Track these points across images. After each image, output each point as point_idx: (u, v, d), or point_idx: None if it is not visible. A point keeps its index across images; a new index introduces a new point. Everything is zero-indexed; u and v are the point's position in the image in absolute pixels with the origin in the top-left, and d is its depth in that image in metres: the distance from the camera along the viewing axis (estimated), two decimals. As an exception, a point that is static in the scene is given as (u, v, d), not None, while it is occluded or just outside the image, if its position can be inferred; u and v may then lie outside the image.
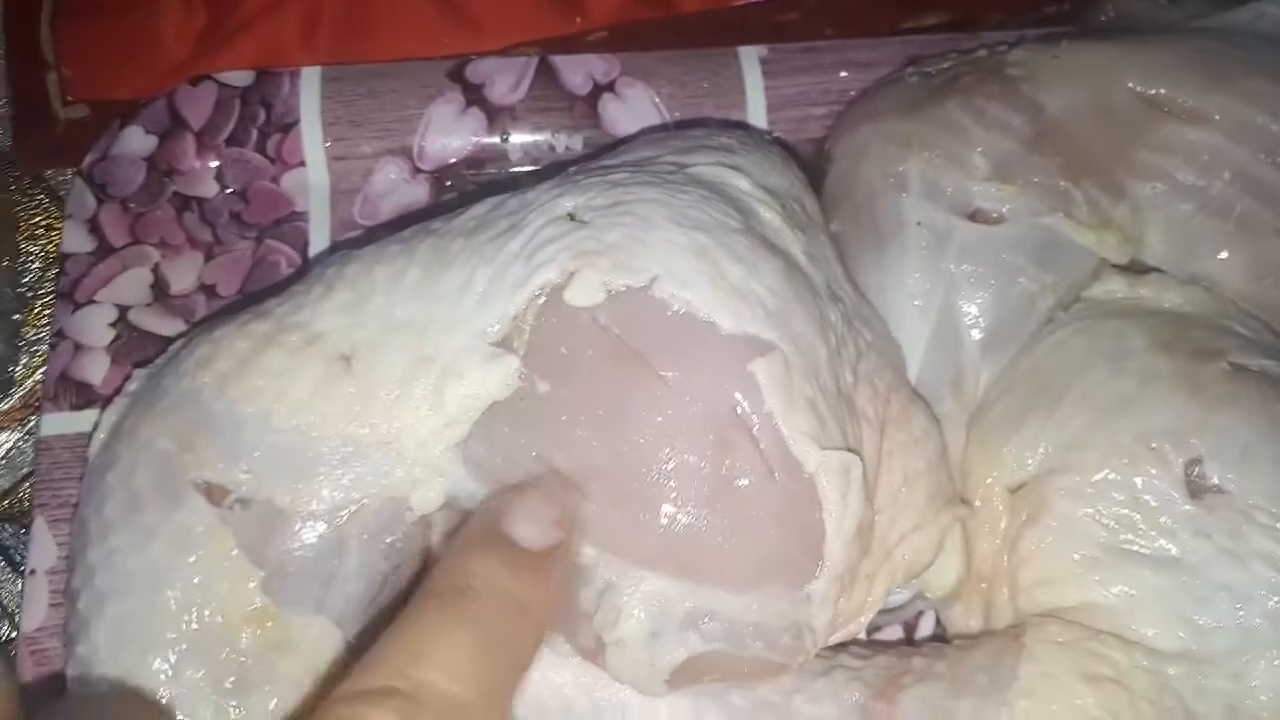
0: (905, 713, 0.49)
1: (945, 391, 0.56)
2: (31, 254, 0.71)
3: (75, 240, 0.64)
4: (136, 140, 0.66)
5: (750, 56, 0.69)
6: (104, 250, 0.64)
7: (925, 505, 0.52)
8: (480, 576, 0.41)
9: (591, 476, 0.46)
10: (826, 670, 0.51)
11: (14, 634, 0.58)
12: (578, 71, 0.68)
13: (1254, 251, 0.58)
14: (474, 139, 0.67)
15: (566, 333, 0.47)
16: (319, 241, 0.66)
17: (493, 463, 0.48)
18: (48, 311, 0.70)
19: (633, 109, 0.67)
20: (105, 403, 0.56)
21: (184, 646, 0.47)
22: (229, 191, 0.66)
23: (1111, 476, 0.52)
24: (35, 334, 0.70)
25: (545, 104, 0.67)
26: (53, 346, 0.62)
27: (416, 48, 0.71)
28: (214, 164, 0.66)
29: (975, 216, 0.57)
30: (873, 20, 0.73)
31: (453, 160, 0.67)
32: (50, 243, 0.72)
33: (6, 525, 0.67)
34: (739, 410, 0.46)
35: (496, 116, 0.67)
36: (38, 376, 0.69)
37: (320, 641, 0.49)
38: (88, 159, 0.66)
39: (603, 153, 0.59)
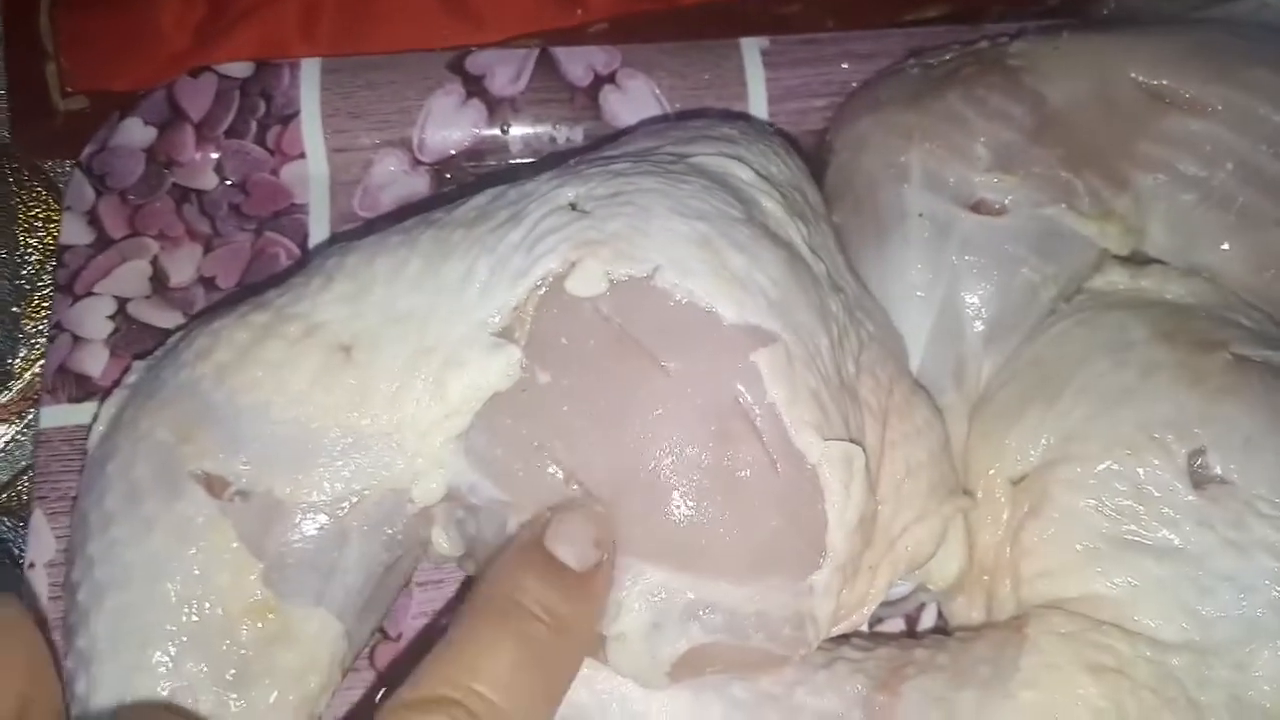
0: (907, 704, 0.49)
1: (947, 382, 0.56)
2: (30, 246, 0.71)
3: (74, 232, 0.64)
4: (135, 132, 0.66)
5: (751, 48, 0.68)
6: (103, 242, 0.64)
7: (927, 496, 0.52)
8: (526, 593, 0.43)
9: (592, 469, 0.46)
10: (829, 662, 0.51)
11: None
12: (578, 63, 0.68)
13: (1256, 243, 0.58)
14: (474, 131, 0.67)
15: (568, 323, 0.47)
16: (318, 233, 0.65)
17: (494, 454, 0.47)
18: (46, 304, 0.70)
19: (633, 101, 0.67)
20: (104, 395, 0.56)
21: (184, 639, 0.47)
22: (228, 183, 0.66)
23: (1114, 467, 0.52)
24: (34, 326, 0.70)
25: (546, 96, 0.67)
26: (51, 339, 0.62)
27: (417, 39, 0.71)
28: (213, 156, 0.66)
29: (977, 207, 0.57)
30: (874, 12, 0.72)
31: (453, 152, 0.67)
32: (49, 235, 0.72)
33: (5, 518, 0.67)
34: (741, 401, 0.46)
35: (497, 108, 0.67)
36: (36, 369, 0.69)
37: (321, 634, 0.48)
38: (86, 150, 0.66)
39: (603, 144, 0.59)
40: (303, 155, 0.66)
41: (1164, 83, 0.59)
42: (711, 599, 0.46)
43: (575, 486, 0.46)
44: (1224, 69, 0.59)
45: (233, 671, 0.47)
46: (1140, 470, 0.51)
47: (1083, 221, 0.57)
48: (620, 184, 0.50)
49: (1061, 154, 0.58)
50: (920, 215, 0.57)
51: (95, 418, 0.54)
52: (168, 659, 0.47)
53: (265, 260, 0.65)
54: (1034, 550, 0.53)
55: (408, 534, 0.50)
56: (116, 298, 0.63)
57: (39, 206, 0.72)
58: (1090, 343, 0.55)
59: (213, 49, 0.70)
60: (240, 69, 0.67)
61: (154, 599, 0.47)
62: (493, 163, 0.67)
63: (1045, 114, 0.59)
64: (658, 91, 0.67)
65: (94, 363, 0.61)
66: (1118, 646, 0.49)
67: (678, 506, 0.45)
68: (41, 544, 0.58)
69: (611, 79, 0.67)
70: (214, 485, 0.48)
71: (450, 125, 0.67)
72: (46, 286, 0.70)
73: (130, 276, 0.63)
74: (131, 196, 0.65)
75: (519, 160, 0.67)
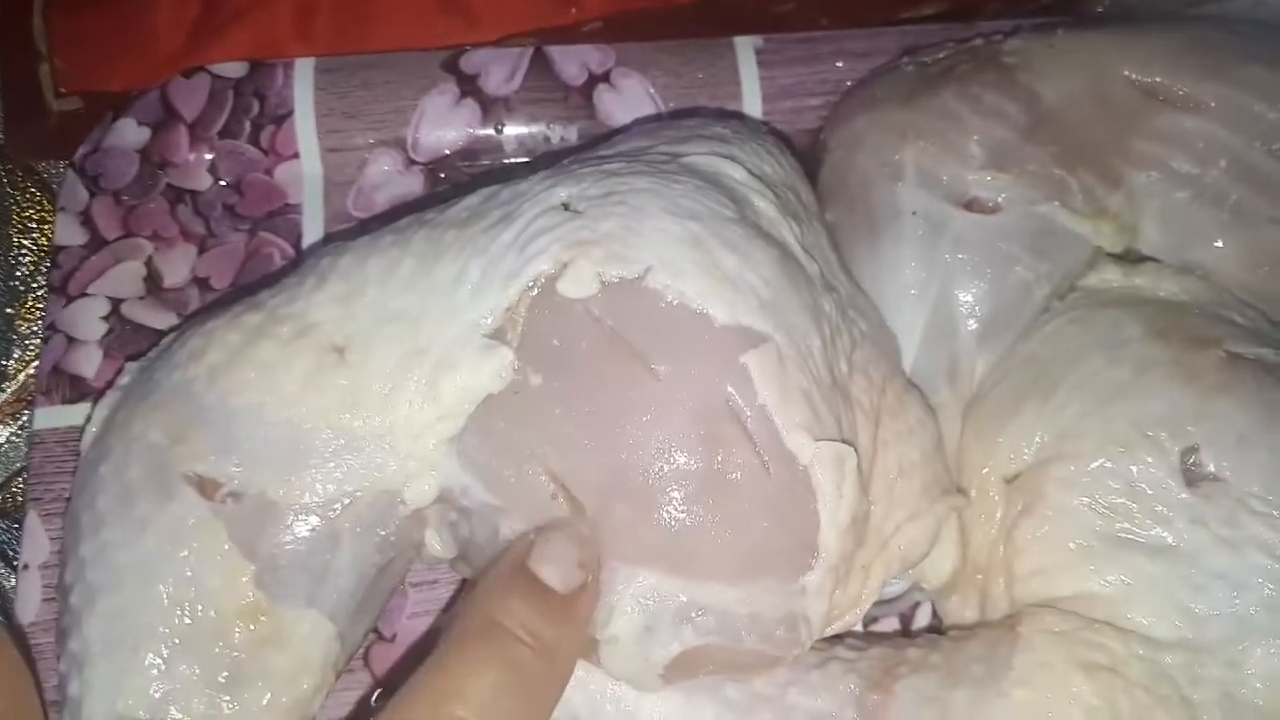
0: (901, 704, 0.49)
1: (940, 381, 0.56)
2: (24, 247, 0.71)
3: (68, 233, 0.64)
4: (129, 132, 0.66)
5: (746, 47, 0.68)
6: (96, 243, 0.64)
7: (921, 495, 0.52)
8: (510, 616, 0.43)
9: (583, 472, 0.46)
10: (822, 662, 0.51)
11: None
12: (573, 62, 0.68)
13: (1249, 240, 0.58)
14: (468, 130, 0.67)
15: (560, 325, 0.47)
16: (313, 233, 0.65)
17: (486, 457, 0.47)
18: (40, 305, 0.70)
19: (628, 100, 0.67)
20: (98, 396, 0.56)
21: (176, 641, 0.47)
22: (222, 184, 0.66)
23: (1107, 465, 0.52)
24: (28, 328, 0.70)
25: (540, 95, 0.67)
26: (45, 340, 0.62)
27: (411, 38, 0.71)
28: (207, 156, 0.66)
29: (971, 205, 0.57)
30: (869, 10, 0.72)
31: (447, 152, 0.67)
32: (43, 236, 0.71)
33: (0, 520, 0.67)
34: (732, 403, 0.46)
35: (491, 108, 0.67)
36: (30, 370, 0.69)
37: (313, 635, 0.48)
38: (80, 151, 0.66)
39: (597, 143, 0.59)
40: (297, 155, 0.66)
41: (1158, 80, 0.59)
42: (704, 601, 0.46)
43: (565, 490, 0.46)
44: (1218, 66, 0.59)
45: (225, 674, 0.47)
46: (1133, 468, 0.51)
47: (1076, 219, 0.57)
48: (613, 184, 0.50)
49: (1055, 151, 0.58)
50: (914, 213, 0.57)
51: (88, 419, 0.54)
52: (160, 661, 0.47)
53: (259, 260, 0.65)
54: (1027, 548, 0.53)
55: (400, 536, 0.50)
56: (110, 299, 0.63)
57: (33, 207, 0.72)
58: (1084, 340, 0.55)
59: (207, 49, 0.70)
60: (234, 69, 0.67)
61: (146, 601, 0.47)
62: (487, 162, 0.67)
63: (1039, 112, 0.59)
64: (652, 90, 0.67)
65: (88, 364, 0.61)
66: (1111, 645, 0.49)
67: (669, 509, 0.45)
68: (36, 546, 0.58)
69: (606, 78, 0.67)
70: (206, 487, 0.48)
71: (444, 125, 0.67)
72: (40, 287, 0.70)
73: (124, 277, 0.63)
74: (125, 197, 0.65)
75: (513, 160, 0.67)
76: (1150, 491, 0.51)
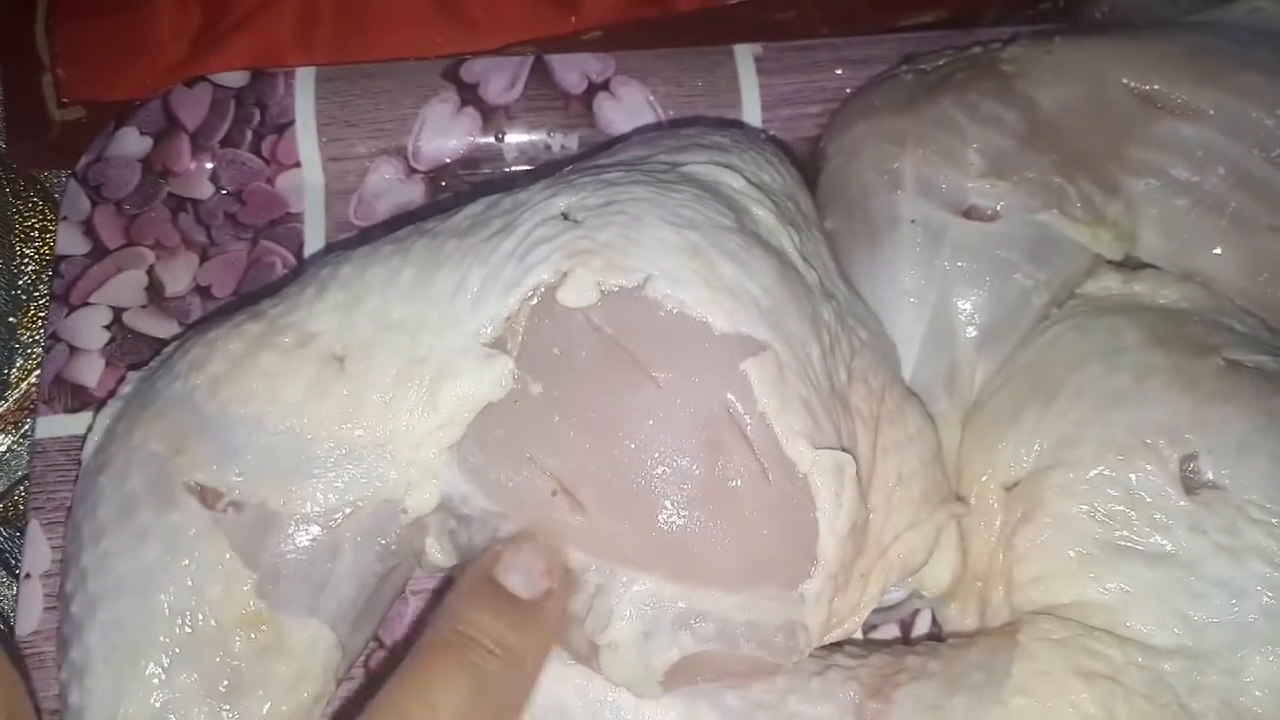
0: (900, 711, 0.49)
1: (940, 389, 0.56)
2: (26, 256, 0.71)
3: (70, 242, 0.64)
4: (131, 142, 0.66)
5: (745, 55, 0.69)
6: (99, 252, 0.64)
7: (920, 503, 0.52)
8: (476, 626, 0.44)
9: (583, 480, 0.46)
10: (821, 669, 0.51)
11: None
12: (573, 70, 0.68)
13: (1248, 247, 0.58)
14: (469, 139, 0.67)
15: (559, 333, 0.47)
16: (314, 242, 0.66)
17: (486, 465, 0.48)
18: (42, 314, 0.70)
19: (628, 108, 0.67)
20: (100, 405, 0.56)
21: (177, 650, 0.47)
22: (224, 193, 0.66)
23: (1106, 473, 0.52)
24: (30, 336, 0.70)
25: (540, 103, 0.67)
26: (47, 349, 0.62)
27: (411, 47, 0.71)
28: (209, 165, 0.66)
29: (970, 213, 0.57)
30: (868, 18, 0.73)
31: (448, 160, 0.67)
32: (45, 245, 0.72)
33: (1, 529, 0.67)
34: (732, 410, 0.46)
35: (492, 116, 0.67)
36: (32, 379, 0.69)
37: (313, 644, 0.49)
38: (82, 161, 0.66)
39: (597, 152, 0.59)
40: (298, 164, 0.66)
41: (1156, 87, 0.59)
42: (703, 607, 0.46)
43: (565, 494, 0.46)
44: (1216, 73, 0.59)
45: (225, 682, 0.47)
46: (1133, 475, 0.51)
47: (1075, 227, 0.57)
48: (612, 193, 0.50)
49: (1054, 159, 0.58)
50: (913, 221, 0.57)
51: (90, 428, 0.55)
52: (160, 670, 0.47)
53: (261, 269, 0.65)
54: (1027, 556, 0.53)
55: (401, 544, 0.50)
56: (112, 308, 0.63)
57: (35, 217, 0.72)
58: (1083, 348, 0.55)
59: (208, 58, 0.70)
60: (235, 78, 0.67)
61: (147, 610, 0.48)
62: (488, 170, 0.68)
63: (1038, 119, 0.59)
64: (652, 98, 0.67)
65: (90, 373, 0.61)
66: (1110, 653, 0.49)
67: (669, 516, 0.46)
68: (37, 554, 0.58)
69: (606, 86, 0.67)
70: (207, 496, 0.48)
71: (445, 133, 0.67)
72: (43, 296, 0.70)
73: (126, 286, 0.64)
74: (127, 206, 0.65)
75: (514, 168, 0.68)
76: (1149, 499, 0.51)
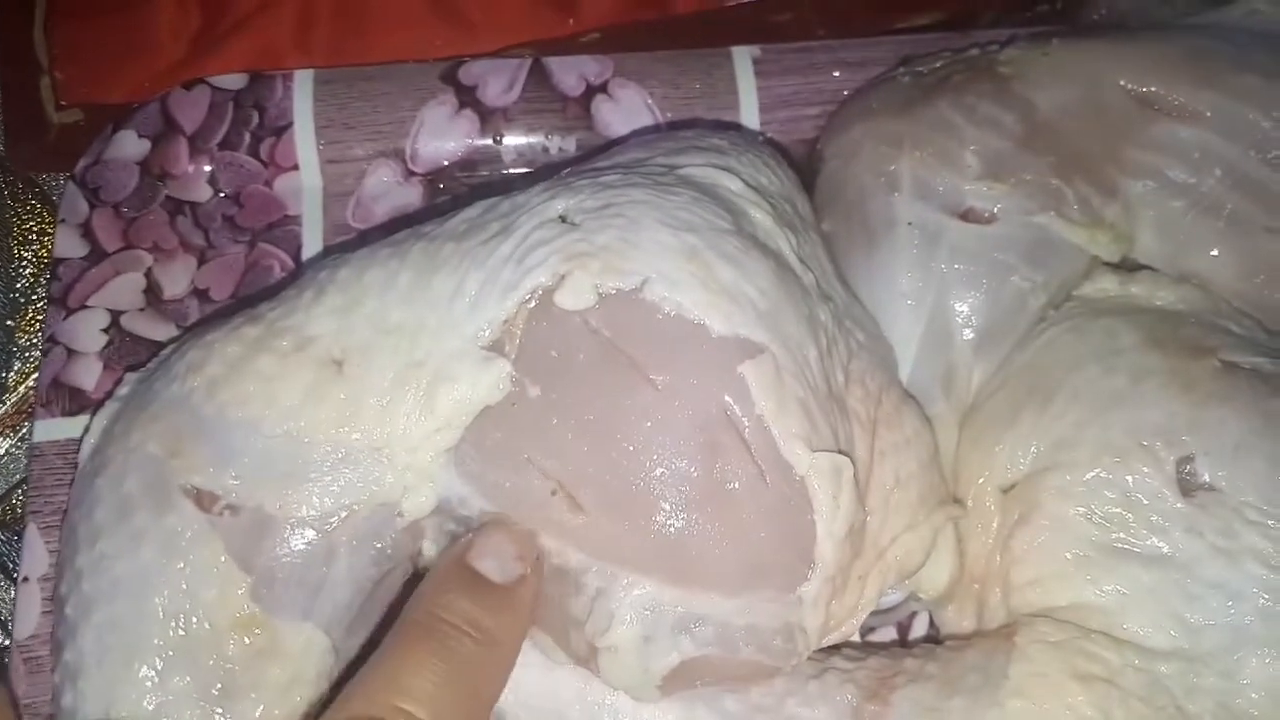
0: (898, 714, 0.49)
1: (937, 391, 0.56)
2: (24, 259, 0.72)
3: (68, 245, 0.64)
4: (129, 144, 0.66)
5: (743, 57, 0.69)
6: (97, 255, 0.64)
7: (917, 505, 0.52)
8: (450, 609, 0.44)
9: (582, 482, 0.46)
10: (819, 672, 0.51)
11: (7, 642, 0.58)
12: (571, 73, 0.68)
13: (1245, 249, 0.58)
14: (467, 141, 0.67)
15: (557, 336, 0.47)
16: (312, 245, 0.66)
17: (484, 468, 0.48)
18: (40, 317, 0.70)
19: (626, 110, 0.67)
20: (97, 408, 0.56)
21: (170, 653, 0.47)
22: (222, 195, 0.66)
23: (1103, 475, 0.52)
24: (27, 339, 0.70)
25: (538, 105, 0.67)
26: (45, 352, 0.62)
27: (409, 49, 0.71)
28: (207, 168, 0.66)
29: (967, 215, 0.57)
30: (865, 20, 0.73)
31: (446, 163, 0.67)
32: (43, 247, 0.72)
33: (-1, 532, 0.67)
34: (729, 413, 0.46)
35: (489, 118, 0.67)
36: (30, 382, 0.69)
37: (308, 648, 0.49)
38: (80, 163, 0.66)
39: (595, 154, 0.59)
40: (296, 167, 0.66)
41: (1153, 89, 0.59)
42: (702, 611, 0.46)
43: (564, 494, 0.47)
44: (1213, 75, 0.59)
45: (219, 685, 0.47)
46: (1129, 477, 0.51)
47: (1072, 229, 0.57)
48: (610, 196, 0.50)
49: (1051, 161, 0.58)
50: (910, 224, 0.57)
51: (86, 430, 0.55)
52: (153, 673, 0.47)
53: (259, 272, 0.65)
54: (1024, 558, 0.53)
55: (397, 548, 0.50)
56: (110, 310, 0.63)
57: (33, 219, 0.72)
58: (1080, 350, 0.55)
59: (206, 61, 0.70)
60: (233, 81, 0.67)
61: (141, 613, 0.48)
62: (486, 173, 0.68)
63: (1035, 121, 0.59)
64: (650, 101, 0.67)
65: (88, 376, 0.61)
66: (1106, 655, 0.49)
67: (667, 518, 0.46)
68: (35, 558, 0.58)
69: (604, 88, 0.67)
70: (203, 499, 0.48)
71: (443, 136, 0.67)
72: (41, 299, 0.71)
73: (124, 289, 0.64)
74: (125, 209, 0.65)
75: (512, 170, 0.68)
76: (1146, 501, 0.51)
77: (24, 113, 0.71)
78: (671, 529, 0.46)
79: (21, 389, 0.69)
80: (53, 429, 0.60)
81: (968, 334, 0.56)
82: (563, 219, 0.49)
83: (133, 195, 0.65)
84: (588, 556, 0.46)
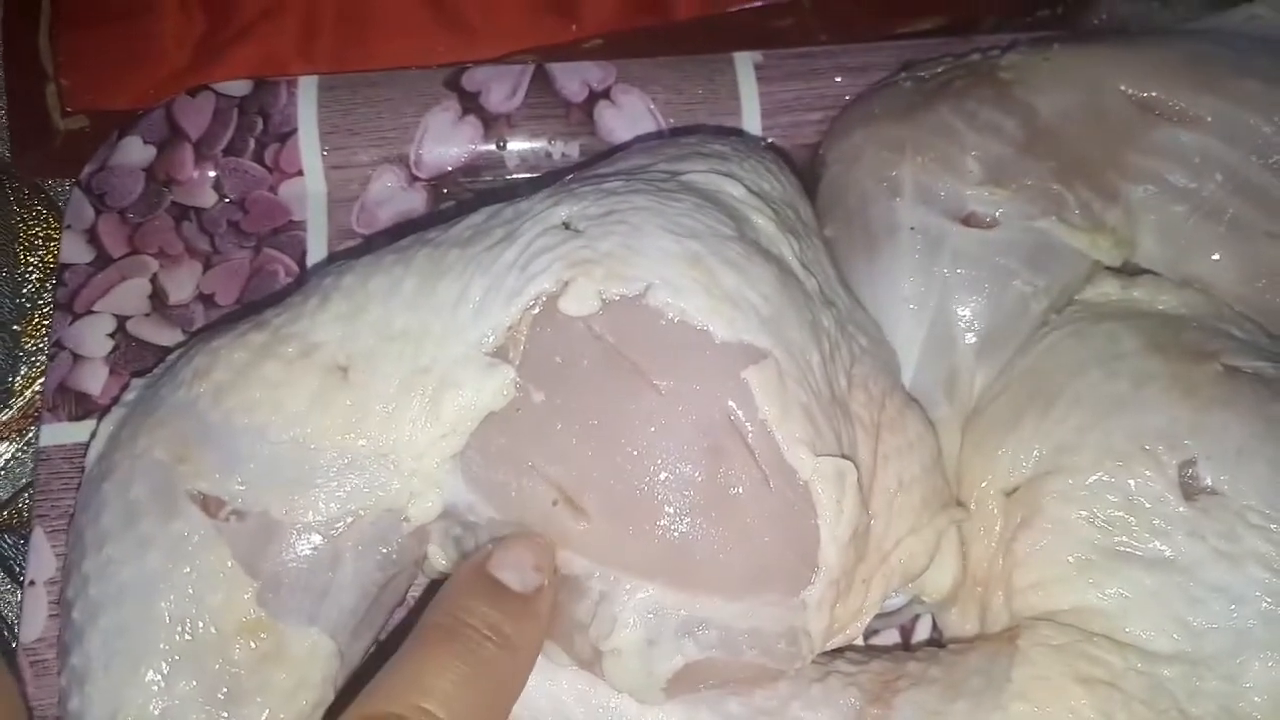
0: (901, 717, 0.49)
1: (940, 395, 0.56)
2: (30, 264, 0.72)
3: (74, 251, 0.64)
4: (135, 150, 0.66)
5: (745, 62, 0.69)
6: (102, 260, 0.64)
7: (920, 509, 0.52)
8: (472, 614, 0.45)
9: (586, 487, 0.46)
10: (822, 676, 0.51)
11: (14, 645, 0.58)
12: (574, 79, 0.68)
13: (1246, 253, 0.58)
14: (471, 147, 0.67)
15: (561, 342, 0.47)
16: (317, 250, 0.66)
17: (489, 474, 0.48)
18: (46, 322, 0.70)
19: (628, 116, 0.68)
20: (104, 413, 0.56)
21: (176, 657, 0.47)
22: (227, 201, 0.67)
23: (1105, 479, 0.52)
24: (34, 344, 0.70)
25: (541, 111, 0.68)
26: (51, 357, 0.62)
27: (413, 56, 0.71)
28: (212, 173, 0.67)
29: (968, 220, 0.57)
30: (867, 25, 0.73)
31: (450, 168, 0.67)
32: (49, 253, 0.72)
33: (6, 536, 0.67)
34: (733, 418, 0.46)
35: (493, 124, 0.67)
36: (36, 387, 0.69)
37: (313, 653, 0.49)
38: (86, 169, 0.66)
39: (598, 160, 0.60)
40: (300, 172, 0.67)
41: (1154, 94, 0.59)
42: (705, 615, 0.46)
43: (567, 501, 0.47)
44: (1213, 80, 0.59)
45: (224, 690, 0.48)
46: (1131, 481, 0.52)
47: (1074, 234, 0.57)
48: (613, 203, 0.50)
49: (1053, 166, 0.58)
50: (912, 229, 0.57)
51: (93, 435, 0.55)
52: (160, 677, 0.47)
53: (264, 277, 0.65)
54: (1026, 562, 0.53)
55: (402, 553, 0.50)
56: (116, 315, 0.63)
57: (39, 225, 0.72)
58: (1082, 354, 0.55)
59: (211, 67, 0.70)
60: (238, 87, 0.68)
61: (147, 618, 0.48)
62: (489, 178, 0.68)
63: (1036, 126, 0.59)
64: (652, 106, 0.67)
65: (94, 380, 0.61)
66: (1109, 658, 0.49)
67: (671, 523, 0.46)
68: (42, 562, 0.58)
69: (606, 94, 0.68)
70: (210, 505, 0.49)
71: (447, 141, 0.67)
72: (47, 305, 0.71)
73: (130, 294, 0.64)
74: (131, 215, 0.65)
75: (515, 176, 0.68)
76: (1148, 505, 0.51)
77: (30, 119, 0.71)
78: (675, 533, 0.46)
79: (28, 394, 0.69)
80: (59, 433, 0.60)
81: (970, 338, 0.57)
82: (566, 225, 0.50)
83: (138, 201, 0.66)
84: (591, 561, 0.47)
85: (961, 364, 0.57)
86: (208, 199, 0.67)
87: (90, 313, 0.63)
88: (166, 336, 0.63)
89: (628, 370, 0.46)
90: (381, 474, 0.49)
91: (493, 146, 0.67)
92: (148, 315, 0.63)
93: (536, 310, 0.48)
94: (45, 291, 0.71)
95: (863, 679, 0.51)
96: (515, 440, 0.47)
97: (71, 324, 0.63)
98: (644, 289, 0.47)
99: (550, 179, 0.56)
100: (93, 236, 0.65)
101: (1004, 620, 0.54)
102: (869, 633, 0.57)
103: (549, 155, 0.68)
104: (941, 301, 0.57)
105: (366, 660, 0.53)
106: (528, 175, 0.68)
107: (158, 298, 0.64)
